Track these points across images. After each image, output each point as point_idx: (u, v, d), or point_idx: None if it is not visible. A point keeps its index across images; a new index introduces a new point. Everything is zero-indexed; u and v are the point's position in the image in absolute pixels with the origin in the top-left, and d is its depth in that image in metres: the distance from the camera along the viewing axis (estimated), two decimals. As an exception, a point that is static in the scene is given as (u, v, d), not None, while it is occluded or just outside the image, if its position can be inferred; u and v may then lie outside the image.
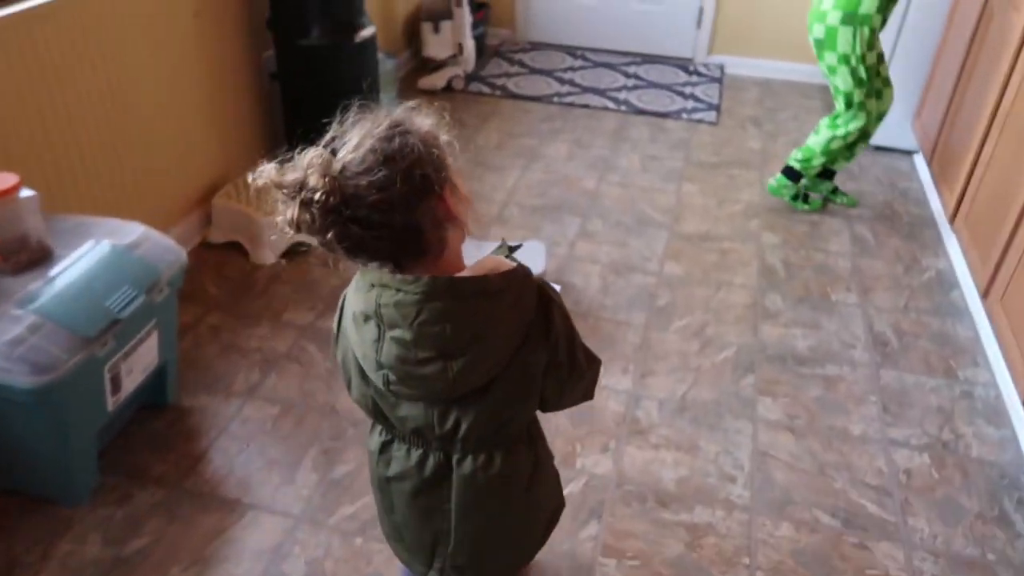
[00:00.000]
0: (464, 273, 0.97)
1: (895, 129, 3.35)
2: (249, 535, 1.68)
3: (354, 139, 0.90)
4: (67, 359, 1.49)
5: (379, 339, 0.96)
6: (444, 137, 0.95)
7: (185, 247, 2.56)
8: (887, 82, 2.70)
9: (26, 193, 1.61)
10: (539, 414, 1.14)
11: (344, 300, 1.06)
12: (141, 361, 1.75)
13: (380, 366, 0.98)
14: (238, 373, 2.12)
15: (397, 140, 0.89)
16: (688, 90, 3.99)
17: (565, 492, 1.78)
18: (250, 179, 0.92)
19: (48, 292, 1.55)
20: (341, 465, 1.86)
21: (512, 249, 1.12)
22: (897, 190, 3.15)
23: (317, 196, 0.86)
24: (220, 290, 2.44)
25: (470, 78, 3.98)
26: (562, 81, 4.04)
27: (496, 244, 1.15)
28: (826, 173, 2.99)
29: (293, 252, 2.59)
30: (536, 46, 4.46)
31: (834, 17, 2.54)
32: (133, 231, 1.77)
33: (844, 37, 2.55)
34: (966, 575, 1.66)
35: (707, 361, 2.22)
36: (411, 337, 0.94)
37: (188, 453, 1.87)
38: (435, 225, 0.92)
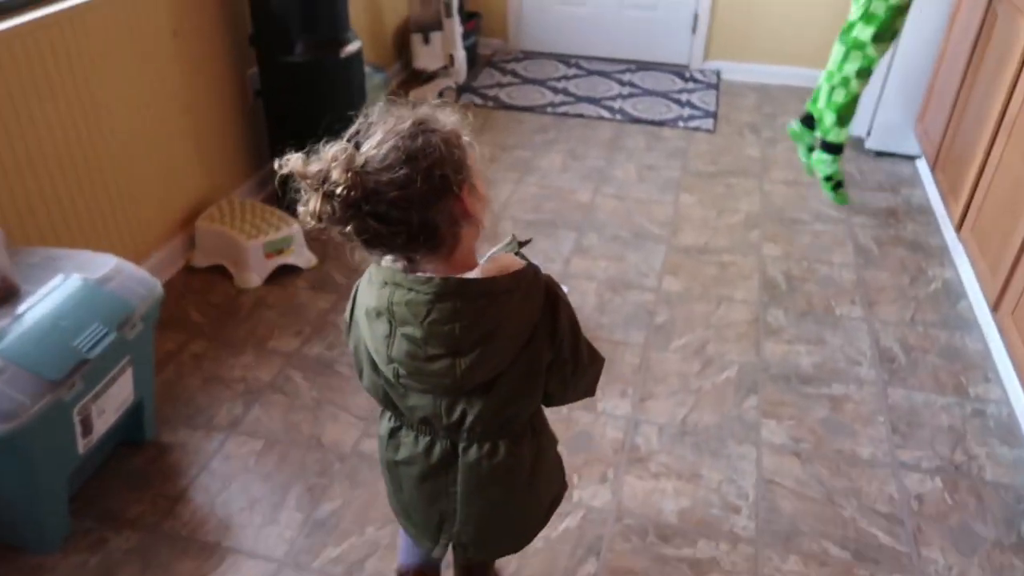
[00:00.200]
0: (475, 272, 0.99)
1: (897, 134, 3.28)
2: (229, 581, 1.61)
3: (378, 135, 0.92)
4: (31, 405, 1.41)
5: (390, 335, 0.99)
6: (466, 137, 0.97)
7: (168, 271, 2.52)
8: (895, 35, 2.60)
9: (-11, 228, 1.54)
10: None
11: (356, 291, 1.08)
12: (114, 400, 1.67)
13: (391, 360, 1.01)
14: (221, 406, 2.04)
15: (420, 139, 0.91)
16: (684, 97, 3.92)
17: (561, 527, 1.72)
18: (276, 165, 0.93)
19: (12, 333, 1.47)
20: (326, 503, 1.78)
21: (522, 245, 1.14)
22: (900, 197, 3.07)
23: (339, 190, 0.89)
24: (204, 316, 2.36)
25: (462, 89, 3.91)
26: (555, 90, 3.96)
27: (507, 240, 1.15)
28: (809, 121, 2.92)
29: (279, 275, 2.52)
30: (529, 55, 4.39)
31: None
32: (105, 264, 1.70)
33: None
34: (985, 610, 1.58)
35: (708, 382, 2.14)
36: (421, 335, 0.97)
37: (166, 493, 1.79)
38: (451, 223, 0.94)
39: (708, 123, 3.66)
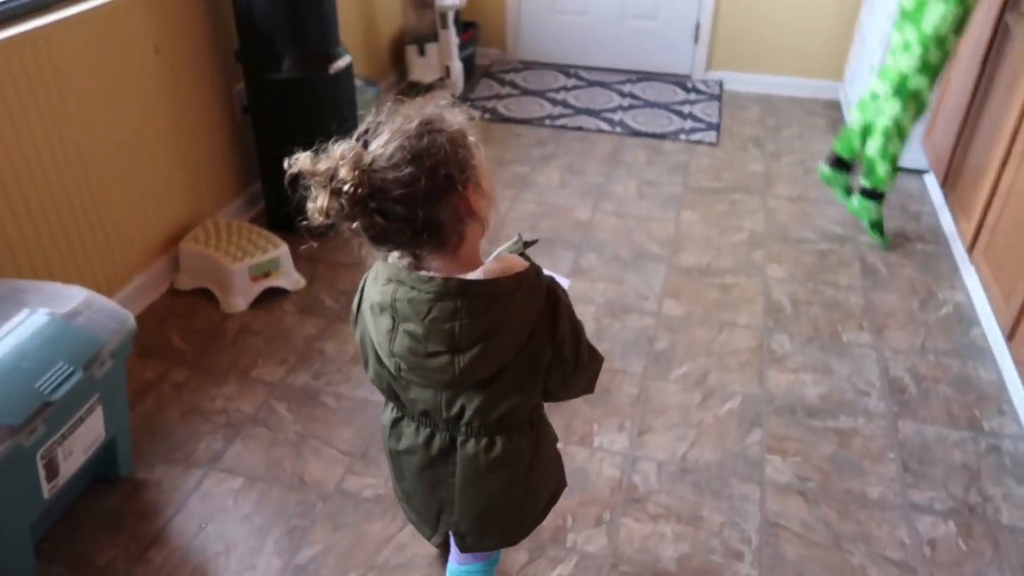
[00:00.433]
0: (478, 271, 1.01)
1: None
2: (202, 634, 1.52)
3: (385, 134, 0.94)
4: (-13, 453, 1.33)
5: (393, 330, 1.02)
6: (472, 138, 0.99)
7: (151, 295, 2.44)
8: (940, 79, 2.48)
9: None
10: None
11: (364, 285, 1.09)
12: (83, 441, 1.58)
13: (393, 354, 1.04)
14: (200, 439, 1.95)
15: (426, 139, 0.93)
16: (686, 109, 3.83)
17: (553, 574, 1.63)
18: (285, 165, 0.95)
19: (-30, 374, 1.39)
20: (307, 548, 1.69)
21: (527, 245, 1.16)
22: (908, 214, 2.98)
23: (346, 187, 0.91)
24: (186, 343, 2.28)
25: (458, 101, 3.82)
26: (554, 102, 3.88)
27: (513, 240, 1.17)
28: (840, 163, 2.79)
29: (266, 298, 2.43)
30: (528, 65, 4.30)
31: None
32: (73, 297, 1.61)
33: (933, 12, 2.29)
34: (1003, 668, 1.48)
35: (710, 415, 2.05)
36: (422, 332, 0.99)
37: (140, 535, 1.71)
38: (455, 220, 0.97)
39: (711, 136, 3.58)
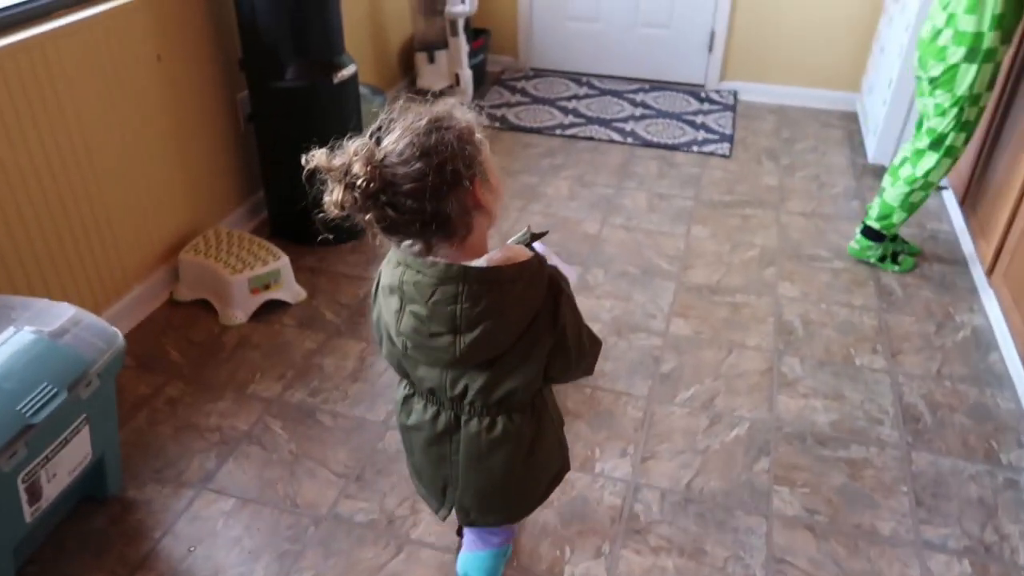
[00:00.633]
0: (482, 260, 1.05)
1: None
2: (186, 665, 1.48)
3: (397, 131, 1.00)
4: (-36, 478, 1.29)
5: (400, 310, 1.08)
6: (479, 135, 1.04)
7: (151, 305, 2.41)
8: (974, 133, 2.38)
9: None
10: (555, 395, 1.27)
11: (382, 269, 1.15)
12: (68, 462, 1.54)
13: (400, 333, 1.10)
14: (192, 458, 1.91)
15: (434, 136, 0.98)
16: (699, 119, 3.76)
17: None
18: (303, 161, 1.00)
19: (-49, 395, 1.35)
20: (297, 574, 1.64)
21: (535, 238, 1.22)
22: (926, 232, 2.90)
23: (359, 181, 0.97)
24: (183, 356, 2.24)
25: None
26: (565, 111, 3.82)
27: (522, 231, 1.22)
28: (871, 234, 2.64)
29: (266, 310, 2.39)
30: (539, 73, 4.25)
31: (956, 54, 2.20)
32: (61, 314, 1.57)
33: (966, 76, 2.21)
34: None
35: (716, 441, 1.99)
36: (426, 313, 1.05)
37: (127, 558, 1.67)
38: (462, 212, 1.02)
39: (724, 148, 3.51)
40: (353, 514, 1.78)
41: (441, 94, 3.64)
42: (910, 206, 2.52)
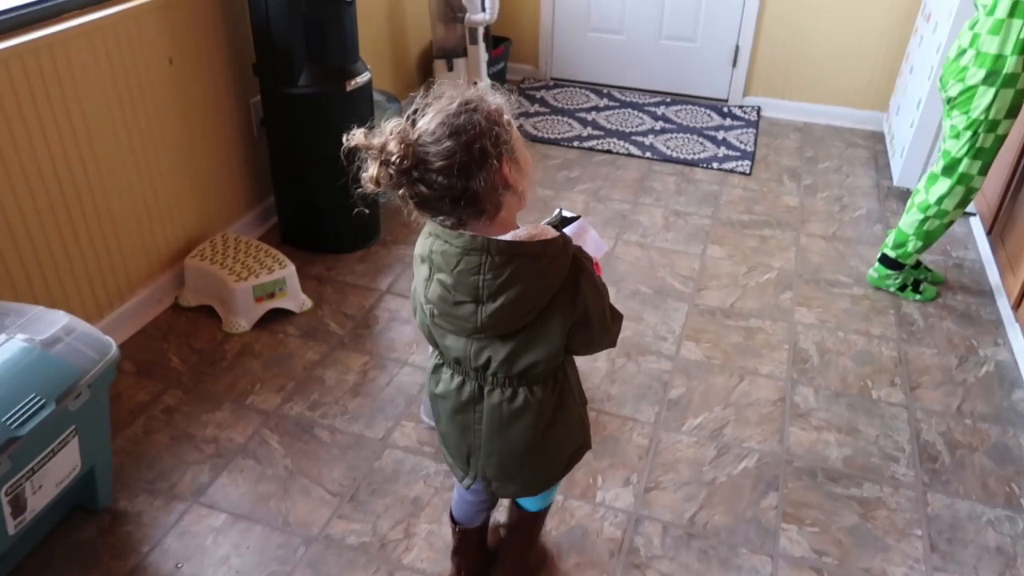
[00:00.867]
0: (508, 235, 1.09)
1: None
2: None
3: (430, 113, 1.06)
4: (-57, 491, 1.26)
5: (429, 278, 1.14)
6: (507, 116, 1.09)
7: (155, 309, 2.39)
8: (990, 165, 2.30)
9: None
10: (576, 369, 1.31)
11: (418, 240, 1.18)
12: (55, 474, 1.51)
13: (428, 300, 1.15)
14: (186, 469, 1.88)
15: (463, 117, 1.04)
16: (721, 135, 3.69)
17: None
18: (344, 139, 1.06)
19: (-65, 404, 1.33)
20: (283, 598, 1.60)
21: (565, 221, 1.30)
22: (951, 260, 2.81)
23: (394, 159, 1.03)
24: (184, 363, 2.21)
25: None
26: (584, 123, 3.77)
27: (554, 213, 1.30)
28: (889, 262, 2.57)
29: (270, 318, 2.36)
30: (560, 83, 4.20)
31: (976, 75, 2.14)
32: (55, 322, 1.54)
33: (983, 99, 2.15)
34: None
35: (723, 473, 1.92)
36: (451, 282, 1.10)
37: (113, 572, 1.63)
38: (491, 190, 1.06)
39: (744, 165, 3.44)
40: (345, 535, 1.73)
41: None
42: (925, 235, 2.44)
